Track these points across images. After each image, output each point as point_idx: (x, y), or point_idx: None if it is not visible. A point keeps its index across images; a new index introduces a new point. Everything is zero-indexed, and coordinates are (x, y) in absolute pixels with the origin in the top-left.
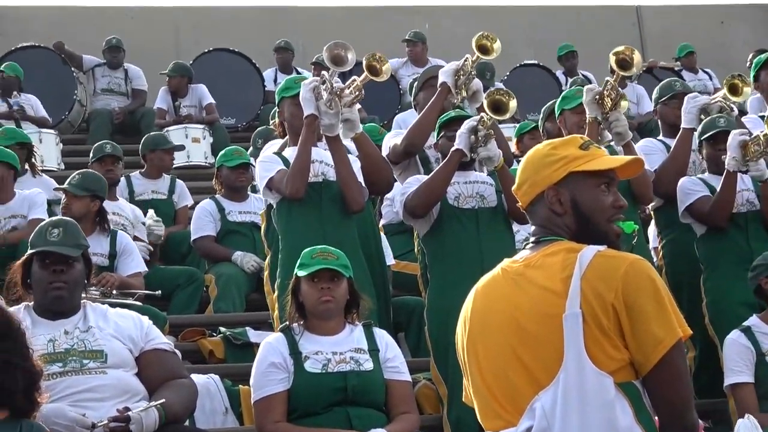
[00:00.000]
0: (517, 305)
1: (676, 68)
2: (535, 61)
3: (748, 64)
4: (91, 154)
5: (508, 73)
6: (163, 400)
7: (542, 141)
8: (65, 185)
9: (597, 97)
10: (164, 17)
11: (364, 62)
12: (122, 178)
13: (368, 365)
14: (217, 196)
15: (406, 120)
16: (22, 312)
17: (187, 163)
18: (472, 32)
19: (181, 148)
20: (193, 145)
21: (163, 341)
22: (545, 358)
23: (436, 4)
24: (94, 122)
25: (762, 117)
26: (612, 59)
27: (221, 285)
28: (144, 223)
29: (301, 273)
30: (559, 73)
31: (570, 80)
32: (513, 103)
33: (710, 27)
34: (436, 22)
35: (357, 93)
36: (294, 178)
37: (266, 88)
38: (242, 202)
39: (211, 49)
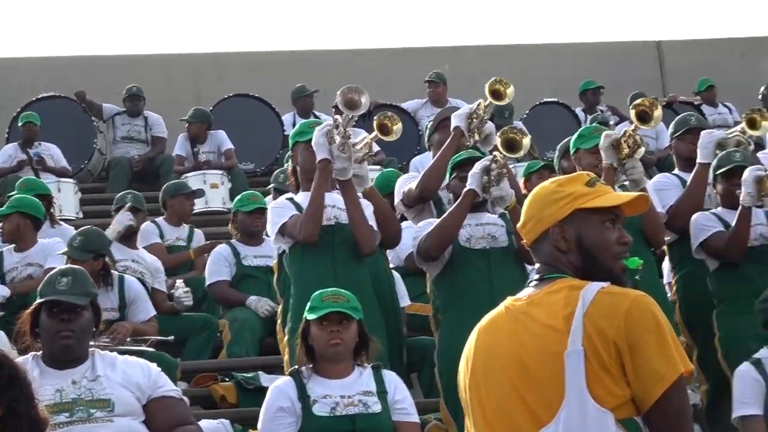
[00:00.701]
0: (519, 343)
1: (695, 102)
2: (555, 99)
3: (760, 96)
4: (113, 204)
5: (528, 111)
6: None
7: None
8: (66, 249)
9: (614, 143)
10: (184, 64)
11: (375, 121)
12: (150, 223)
13: (376, 407)
14: (232, 240)
15: (423, 162)
16: (30, 362)
17: (205, 209)
18: (492, 72)
19: (202, 193)
20: (212, 191)
21: (171, 388)
22: (547, 395)
23: (455, 45)
24: (114, 170)
25: None
26: (632, 112)
27: (235, 330)
28: (173, 294)
29: (311, 316)
30: (579, 110)
31: (590, 117)
32: (526, 141)
33: (731, 60)
34: (456, 63)
35: (367, 150)
36: (308, 222)
37: (285, 133)
38: (258, 246)
39: (230, 95)
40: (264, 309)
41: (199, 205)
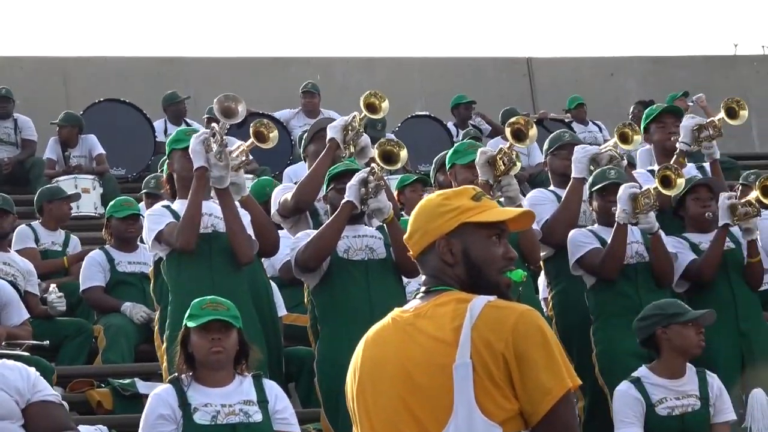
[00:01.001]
0: (407, 356)
1: (566, 120)
2: (427, 112)
3: (630, 115)
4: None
5: (399, 124)
6: None
7: (426, 193)
8: None
9: (490, 160)
10: (54, 67)
11: (251, 128)
12: (26, 227)
13: (257, 417)
14: (106, 246)
15: (297, 172)
16: None
17: (77, 213)
18: (364, 84)
19: (78, 197)
20: (83, 195)
21: (50, 393)
22: (435, 408)
23: (328, 56)
24: None
25: (651, 171)
26: (507, 130)
27: (110, 336)
28: (46, 298)
29: (191, 324)
30: (451, 125)
31: (462, 132)
32: (404, 153)
33: (600, 79)
34: (329, 73)
35: (243, 158)
36: (185, 230)
37: (156, 139)
38: (132, 252)
39: (102, 99)
40: (139, 315)
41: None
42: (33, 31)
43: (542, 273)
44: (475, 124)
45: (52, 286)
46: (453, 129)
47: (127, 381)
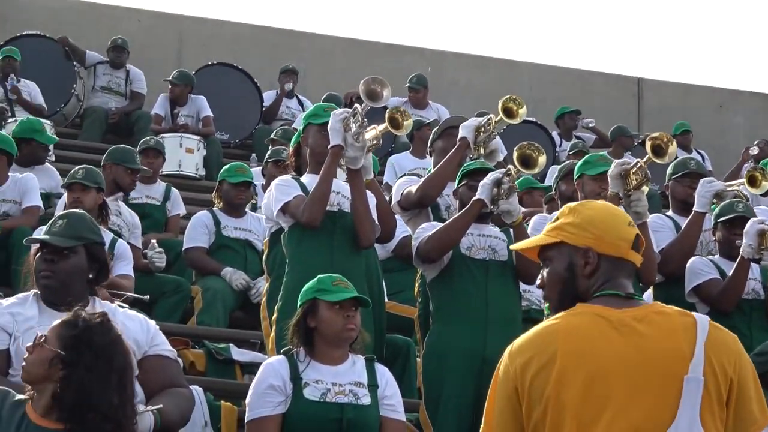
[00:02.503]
0: (630, 356)
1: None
2: (533, 119)
3: (750, 153)
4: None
5: (505, 127)
6: (161, 406)
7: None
8: (75, 179)
9: (623, 173)
10: (171, 24)
11: (387, 114)
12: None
13: (366, 400)
14: (214, 209)
15: (400, 162)
16: (30, 299)
17: (177, 172)
18: (474, 81)
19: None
20: (187, 155)
21: (167, 348)
22: (654, 413)
23: (441, 49)
24: (89, 119)
25: None
26: (648, 144)
27: (207, 298)
28: (146, 254)
29: (328, 298)
30: (555, 134)
31: (569, 143)
32: (542, 159)
33: (708, 109)
34: (440, 67)
35: (375, 141)
36: (313, 205)
37: (264, 109)
38: (239, 218)
39: (215, 62)
40: (239, 282)
41: (171, 168)
42: None
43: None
44: (580, 135)
45: (153, 242)
46: (557, 138)
47: (222, 345)
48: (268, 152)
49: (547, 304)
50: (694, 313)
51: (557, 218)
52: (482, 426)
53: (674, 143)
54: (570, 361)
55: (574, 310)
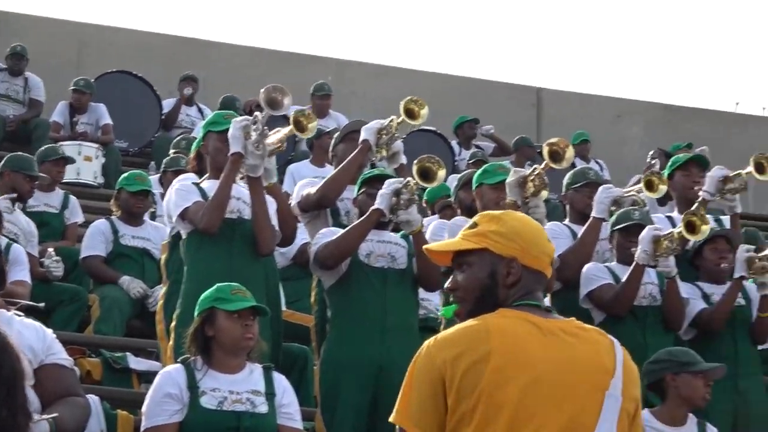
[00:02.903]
0: (564, 361)
1: None
2: (434, 128)
3: (648, 162)
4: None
5: (404, 136)
6: (56, 415)
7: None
8: None
9: (521, 181)
10: (70, 32)
11: (291, 116)
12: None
13: (263, 408)
14: (112, 217)
15: (299, 170)
16: None
17: (76, 180)
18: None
19: (72, 161)
20: (85, 163)
21: (63, 357)
22: (578, 424)
23: (343, 58)
24: None
25: (669, 217)
26: (545, 149)
27: (105, 307)
28: (43, 261)
29: (226, 307)
30: (454, 143)
31: (469, 152)
32: (442, 173)
33: (606, 119)
34: (341, 76)
35: (279, 144)
36: (212, 212)
37: (163, 117)
38: (137, 227)
39: (115, 69)
40: (136, 290)
41: (70, 176)
42: None
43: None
44: (479, 144)
45: (50, 250)
46: (456, 147)
47: (119, 354)
48: (166, 160)
49: (444, 309)
50: (608, 335)
51: (476, 224)
52: (393, 415)
53: (571, 148)
54: (506, 361)
55: (501, 313)
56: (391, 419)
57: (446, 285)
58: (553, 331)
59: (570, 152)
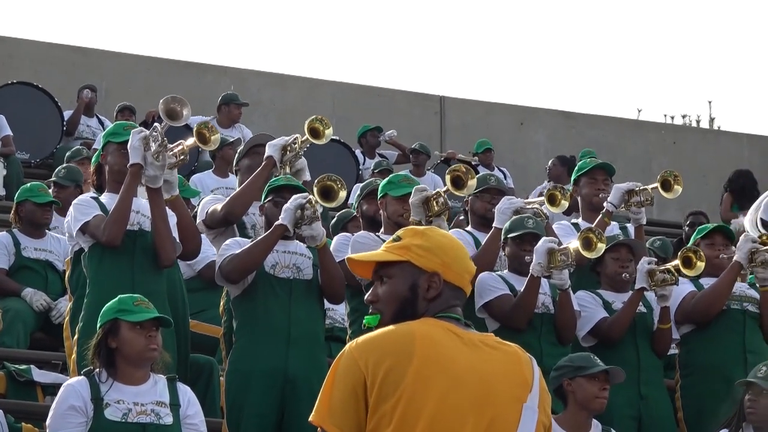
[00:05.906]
0: (486, 371)
1: (473, 162)
2: (336, 137)
3: (548, 169)
4: None
5: (308, 145)
6: None
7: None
8: None
9: (424, 200)
10: None
11: (194, 128)
12: None
13: (168, 419)
14: (13, 229)
15: (203, 180)
16: None
17: None
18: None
19: None
20: None
21: None
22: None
23: (243, 67)
24: None
25: (575, 224)
26: (447, 177)
27: (7, 319)
28: None
29: (129, 318)
30: (358, 152)
31: (373, 161)
32: (343, 194)
33: (509, 126)
34: (242, 86)
35: (182, 157)
36: (113, 225)
37: (64, 128)
38: (39, 239)
39: (14, 81)
40: (39, 303)
41: None
42: None
43: None
44: (383, 153)
45: None
46: (360, 157)
47: (23, 367)
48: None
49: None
50: (526, 352)
51: (399, 237)
52: (313, 415)
53: (474, 176)
54: (429, 365)
55: (425, 321)
56: (310, 419)
57: (366, 297)
58: (474, 342)
59: (473, 181)
